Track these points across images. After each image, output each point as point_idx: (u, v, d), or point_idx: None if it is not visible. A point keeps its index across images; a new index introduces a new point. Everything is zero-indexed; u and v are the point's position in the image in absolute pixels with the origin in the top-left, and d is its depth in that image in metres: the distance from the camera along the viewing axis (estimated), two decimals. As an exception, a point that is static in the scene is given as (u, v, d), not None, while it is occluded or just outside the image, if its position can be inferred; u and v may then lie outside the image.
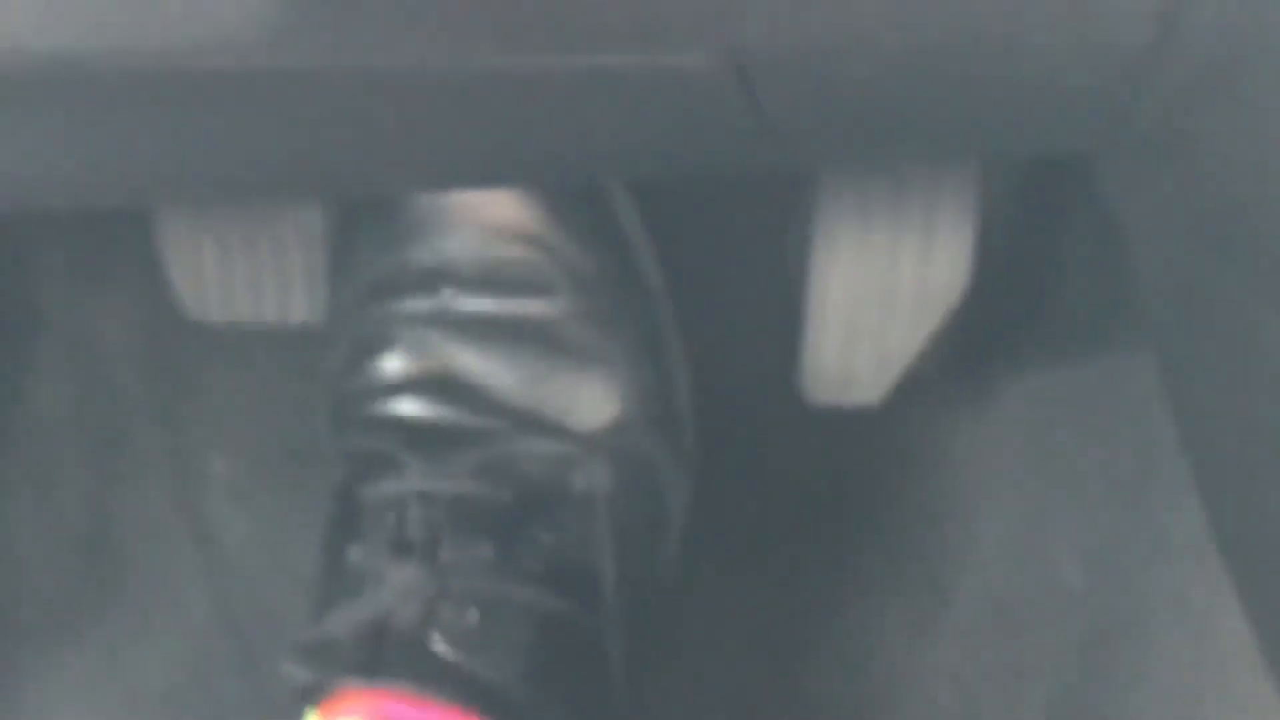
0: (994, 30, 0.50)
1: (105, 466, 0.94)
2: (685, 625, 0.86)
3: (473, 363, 0.72)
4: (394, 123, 0.55)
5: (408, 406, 0.72)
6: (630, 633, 0.74)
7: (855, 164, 0.75)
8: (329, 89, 0.51)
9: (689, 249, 0.79)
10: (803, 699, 0.86)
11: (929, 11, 0.49)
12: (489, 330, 0.72)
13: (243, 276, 0.83)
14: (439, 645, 0.68)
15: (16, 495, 0.94)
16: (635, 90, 0.52)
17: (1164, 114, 0.54)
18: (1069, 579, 0.84)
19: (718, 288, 0.84)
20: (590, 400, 0.73)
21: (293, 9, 0.45)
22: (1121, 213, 0.66)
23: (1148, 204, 0.63)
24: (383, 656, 0.68)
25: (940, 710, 0.85)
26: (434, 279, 0.72)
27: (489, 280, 0.72)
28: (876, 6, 0.49)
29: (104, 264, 0.96)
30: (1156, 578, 0.81)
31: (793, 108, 0.54)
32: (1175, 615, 0.79)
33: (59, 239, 0.96)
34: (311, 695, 0.70)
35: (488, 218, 0.72)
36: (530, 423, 0.72)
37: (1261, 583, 0.66)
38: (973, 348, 0.85)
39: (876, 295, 0.77)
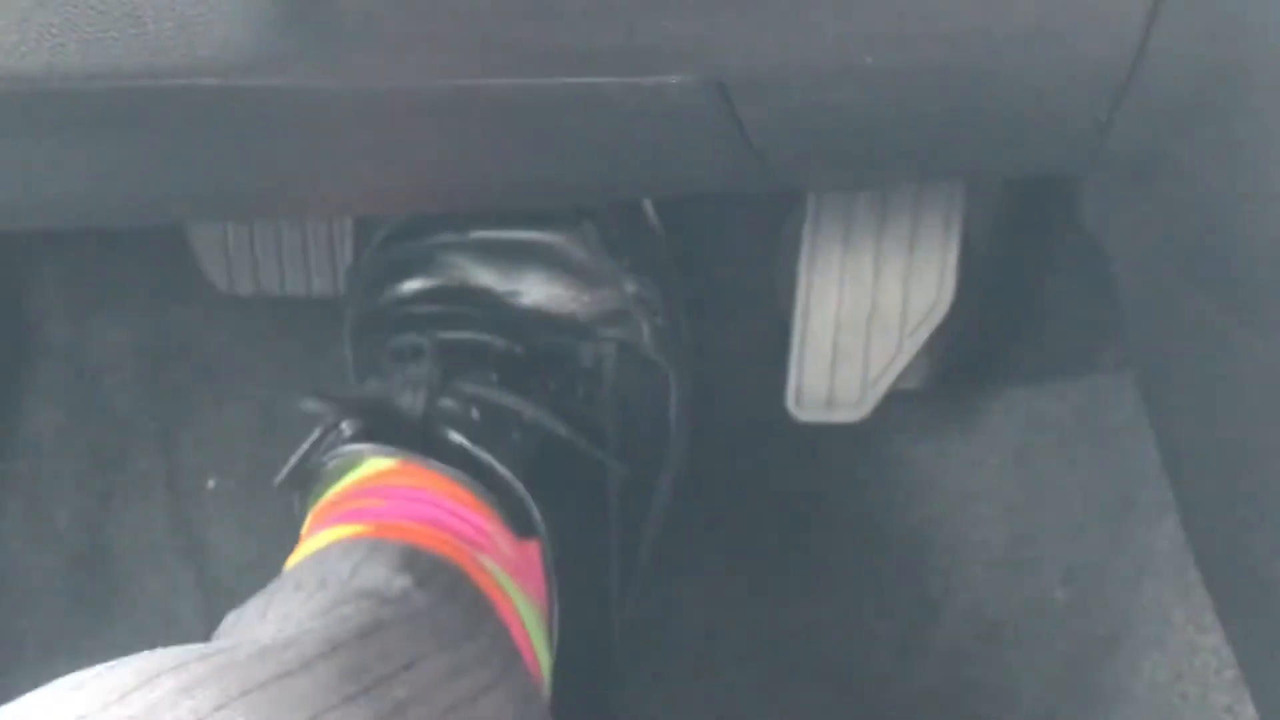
0: (973, 55, 0.51)
1: (101, 486, 0.94)
2: (673, 643, 0.87)
3: (490, 278, 0.76)
4: (381, 145, 0.55)
5: (430, 308, 0.76)
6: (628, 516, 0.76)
7: (839, 185, 0.75)
8: (317, 110, 0.51)
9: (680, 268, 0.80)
10: (790, 716, 0.86)
11: (907, 37, 0.49)
12: (505, 252, 0.76)
13: (264, 250, 0.85)
14: (443, 430, 0.71)
15: (13, 513, 0.94)
16: (622, 112, 0.53)
17: (1141, 137, 0.54)
18: (1054, 596, 0.84)
19: (705, 308, 0.84)
20: (600, 311, 0.76)
21: (281, 30, 0.45)
22: (1101, 233, 0.67)
23: (1126, 224, 0.63)
24: (390, 432, 0.70)
25: (927, 727, 0.85)
26: (455, 216, 0.76)
27: (506, 216, 0.76)
28: (856, 34, 0.49)
29: (102, 288, 0.96)
30: (1139, 595, 0.81)
31: (775, 129, 0.55)
32: (1157, 632, 0.79)
33: (58, 263, 0.96)
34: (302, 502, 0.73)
35: None
36: (543, 322, 0.76)
37: (1240, 600, 0.67)
38: (958, 367, 0.86)
39: (861, 315, 0.78)
